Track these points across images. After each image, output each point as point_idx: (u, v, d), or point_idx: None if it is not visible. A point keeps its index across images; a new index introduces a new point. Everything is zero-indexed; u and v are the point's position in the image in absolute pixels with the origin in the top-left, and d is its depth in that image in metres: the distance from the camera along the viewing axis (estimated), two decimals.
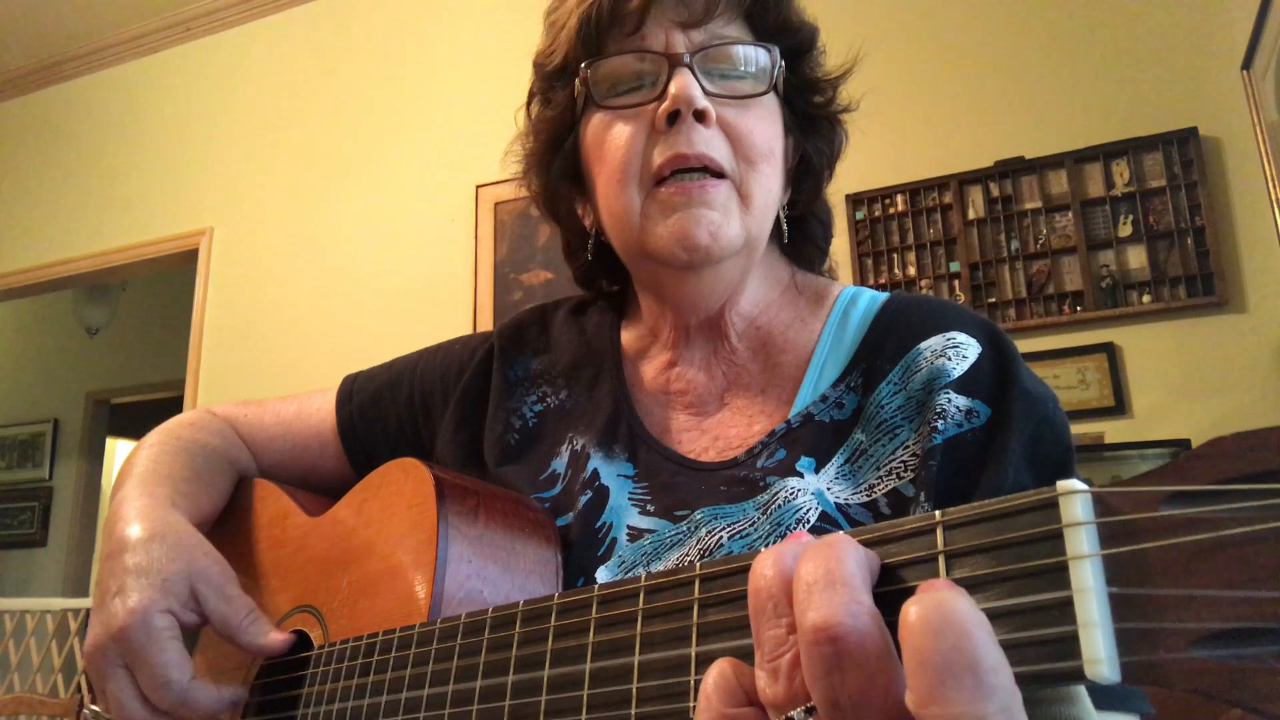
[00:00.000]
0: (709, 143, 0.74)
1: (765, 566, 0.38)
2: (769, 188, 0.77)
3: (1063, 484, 0.33)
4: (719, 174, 0.74)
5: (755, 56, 0.77)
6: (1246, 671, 0.28)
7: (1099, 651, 0.30)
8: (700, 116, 0.73)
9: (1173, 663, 0.29)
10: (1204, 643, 0.29)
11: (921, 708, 0.31)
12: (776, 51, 0.78)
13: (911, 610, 0.32)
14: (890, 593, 0.37)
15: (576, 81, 0.79)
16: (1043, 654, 0.32)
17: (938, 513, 0.37)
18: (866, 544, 0.39)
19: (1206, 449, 0.31)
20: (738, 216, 0.75)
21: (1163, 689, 0.29)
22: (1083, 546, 0.32)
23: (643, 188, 0.76)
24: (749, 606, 0.38)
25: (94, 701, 0.78)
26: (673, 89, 0.73)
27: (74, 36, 4.46)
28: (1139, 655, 0.30)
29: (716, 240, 0.73)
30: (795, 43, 0.80)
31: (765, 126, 0.77)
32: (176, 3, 4.22)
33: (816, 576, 0.36)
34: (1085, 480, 0.34)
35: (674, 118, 0.74)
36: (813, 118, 0.84)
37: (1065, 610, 0.32)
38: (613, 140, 0.77)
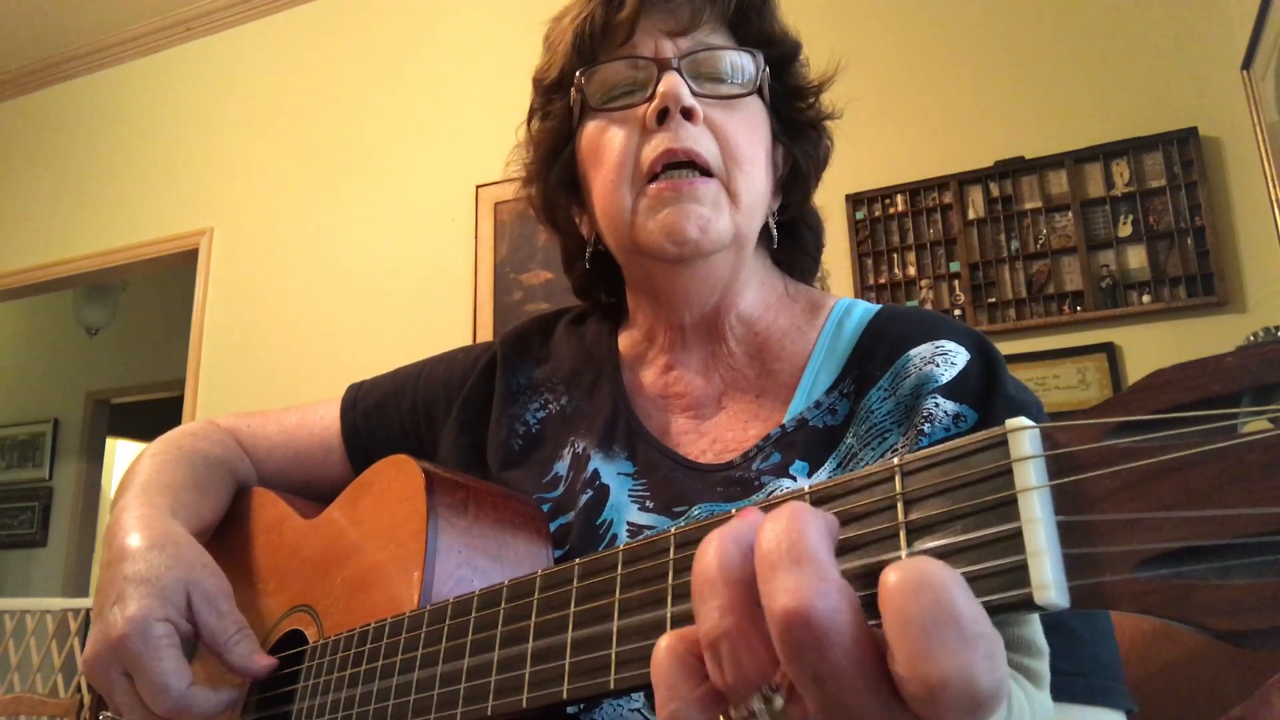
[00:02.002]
0: (697, 140, 0.77)
1: (706, 550, 0.38)
2: (755, 189, 0.80)
3: (1011, 421, 0.35)
4: (707, 171, 0.77)
5: (740, 61, 0.81)
6: (1189, 588, 0.29)
7: (1047, 577, 0.32)
8: (688, 114, 0.77)
9: (1119, 584, 0.30)
10: (1148, 563, 0.30)
11: (911, 668, 0.32)
12: (760, 56, 0.82)
13: (890, 576, 0.33)
14: (854, 557, 0.38)
15: (572, 90, 0.83)
16: (996, 584, 0.33)
17: (895, 460, 0.38)
18: (828, 495, 0.40)
19: (1149, 380, 0.32)
20: (727, 212, 0.78)
21: (1111, 610, 0.30)
22: (1030, 479, 0.33)
23: (635, 186, 0.79)
24: (691, 589, 0.39)
25: (106, 709, 0.79)
26: (661, 88, 0.77)
27: (74, 36, 4.47)
28: (1086, 579, 0.31)
29: (705, 234, 0.76)
30: (778, 54, 0.84)
31: (750, 128, 0.81)
32: (176, 3, 4.23)
33: (780, 553, 0.36)
34: None
35: (664, 116, 0.77)
36: (799, 124, 0.87)
37: (1015, 541, 0.33)
38: (607, 142, 0.81)
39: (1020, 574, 0.32)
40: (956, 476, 0.36)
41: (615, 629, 0.47)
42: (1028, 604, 0.32)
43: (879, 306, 0.84)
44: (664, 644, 0.40)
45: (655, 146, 0.77)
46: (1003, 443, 0.35)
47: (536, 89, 0.89)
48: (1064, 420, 0.34)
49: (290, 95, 4.01)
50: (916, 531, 0.37)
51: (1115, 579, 0.30)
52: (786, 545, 0.35)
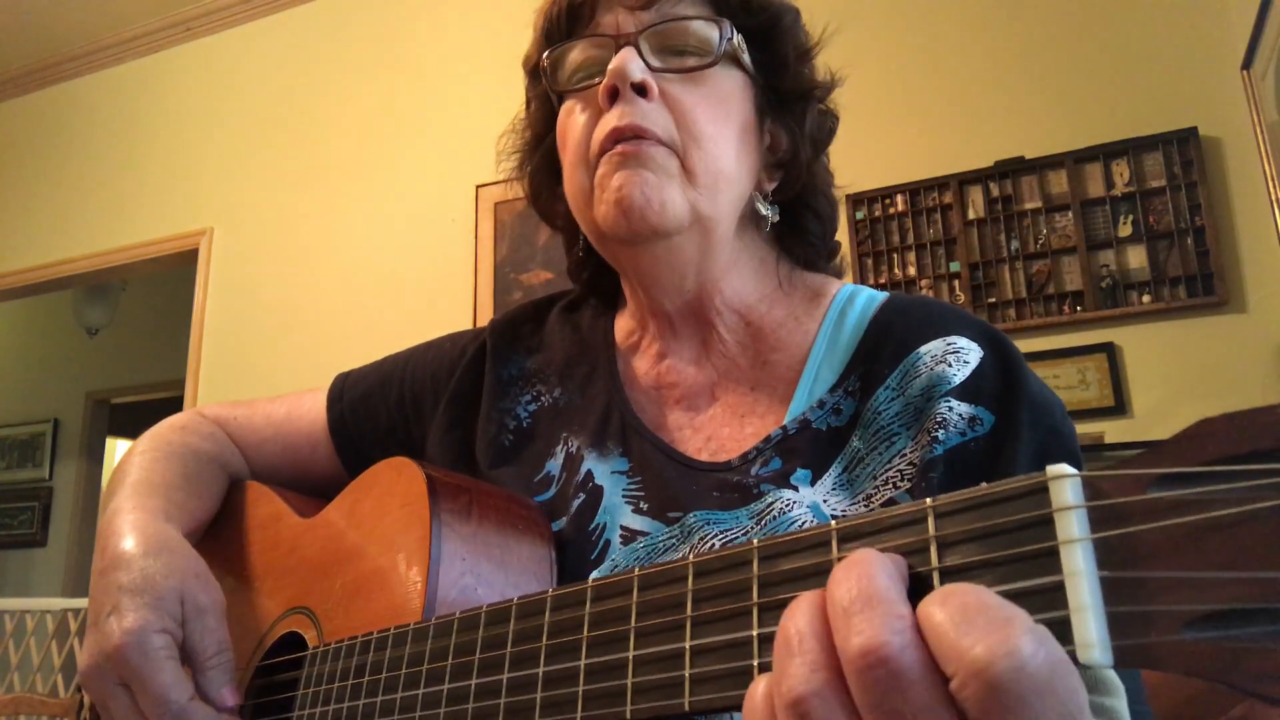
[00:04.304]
0: (647, 115, 0.73)
1: (798, 608, 0.38)
2: (717, 167, 0.75)
3: (1052, 468, 0.33)
4: (658, 141, 0.74)
5: (705, 32, 0.76)
6: (1239, 652, 0.28)
7: (1091, 635, 0.30)
8: (642, 90, 0.73)
9: (1165, 645, 0.29)
10: (1196, 624, 0.29)
11: (957, 664, 0.31)
12: (728, 25, 0.77)
13: (927, 606, 0.33)
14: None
15: (542, 76, 0.81)
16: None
17: (928, 500, 0.37)
18: (857, 532, 0.39)
19: (1196, 430, 0.31)
20: (679, 184, 0.73)
21: (1156, 671, 0.29)
22: (1073, 531, 0.32)
23: (590, 168, 0.76)
24: (775, 648, 0.38)
25: (95, 718, 0.78)
26: (611, 65, 0.74)
27: (74, 36, 4.46)
28: (1131, 638, 0.30)
29: (651, 202, 0.72)
30: (759, 22, 0.79)
31: (714, 103, 0.76)
32: (176, 3, 4.22)
33: (851, 598, 0.35)
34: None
35: (615, 94, 0.74)
36: (783, 96, 0.82)
37: (1057, 595, 0.32)
38: (571, 126, 0.79)
39: (1062, 629, 0.31)
40: (993, 522, 0.35)
41: (631, 658, 0.47)
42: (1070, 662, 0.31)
43: (884, 296, 0.80)
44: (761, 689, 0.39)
45: (604, 125, 0.74)
46: (1043, 489, 0.33)
47: (525, 75, 0.88)
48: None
49: (290, 95, 4.00)
50: (951, 577, 0.36)
51: (1162, 640, 0.29)
52: (858, 590, 0.35)
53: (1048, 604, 0.32)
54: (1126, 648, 0.30)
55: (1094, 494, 0.32)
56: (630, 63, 0.73)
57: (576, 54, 0.79)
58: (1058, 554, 0.32)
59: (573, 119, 0.79)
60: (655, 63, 0.75)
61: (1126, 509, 0.31)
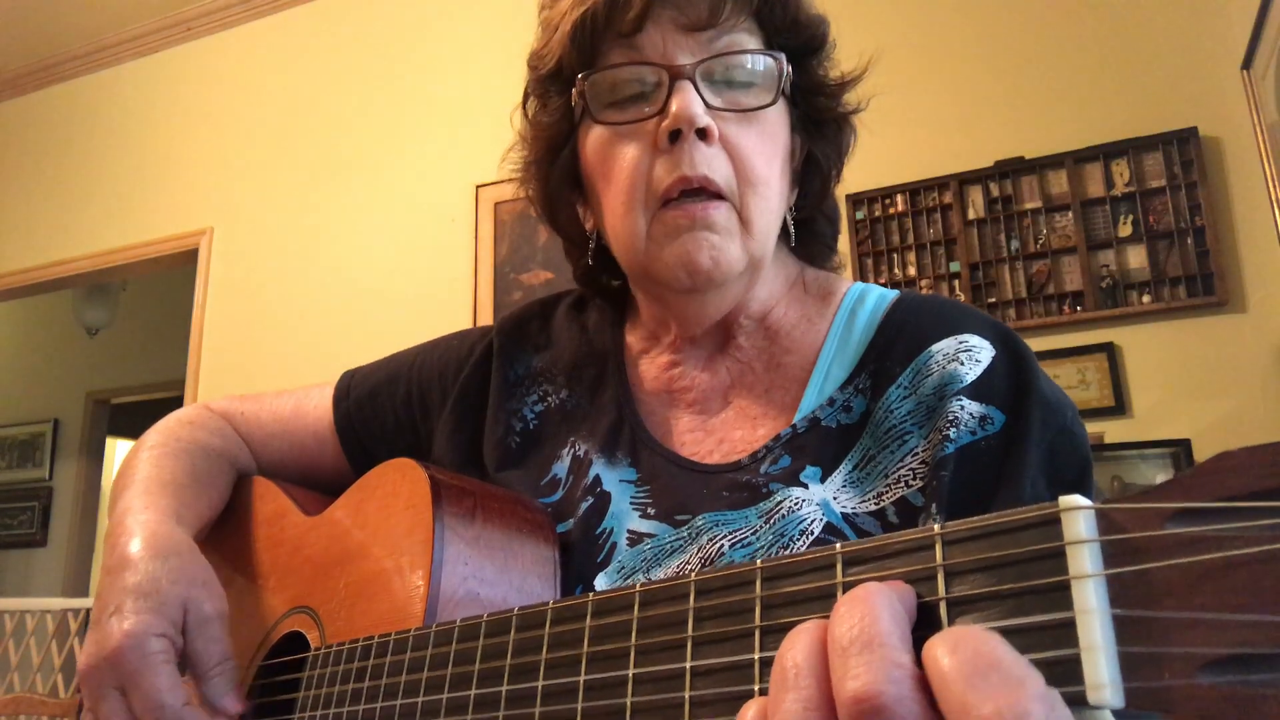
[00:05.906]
0: (710, 163, 0.72)
1: (797, 639, 0.37)
2: (770, 208, 0.75)
3: (1065, 499, 0.32)
4: (719, 194, 0.73)
5: (761, 67, 0.75)
6: (1255, 698, 0.27)
7: (1102, 676, 0.29)
8: (703, 134, 0.72)
9: (1179, 688, 0.28)
10: (1211, 668, 0.28)
11: (962, 716, 0.30)
12: (784, 59, 0.76)
13: (936, 649, 0.32)
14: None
15: (573, 92, 0.77)
16: (1044, 677, 0.31)
17: (936, 527, 0.36)
18: (862, 556, 0.38)
19: (1214, 464, 0.30)
20: (739, 239, 0.73)
21: (1168, 715, 0.28)
22: (1085, 565, 0.31)
23: (648, 210, 0.74)
24: (771, 677, 0.37)
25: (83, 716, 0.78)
26: (674, 107, 0.71)
27: (74, 36, 4.45)
28: (1144, 681, 0.29)
29: (718, 265, 0.72)
30: (805, 40, 0.78)
31: (766, 142, 0.75)
32: (176, 3, 4.22)
33: (852, 637, 0.34)
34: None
35: (676, 135, 0.72)
36: (820, 119, 0.82)
37: (1067, 632, 0.31)
38: (616, 160, 0.75)
39: (1072, 668, 0.30)
40: (1003, 553, 0.33)
41: (631, 675, 0.46)
42: (1079, 703, 0.30)
43: (895, 295, 0.79)
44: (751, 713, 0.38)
45: (668, 170, 0.72)
46: (1055, 520, 0.32)
47: (532, 74, 0.83)
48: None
49: (290, 95, 3.99)
50: (958, 607, 0.35)
51: (1176, 683, 0.28)
52: (859, 630, 0.34)
53: (1057, 641, 0.31)
54: (1138, 690, 0.29)
55: (1109, 527, 0.31)
56: (694, 105, 0.71)
57: (617, 77, 0.75)
58: (1069, 589, 0.31)
59: (617, 151, 0.75)
60: (712, 99, 0.73)
61: (1142, 544, 0.30)
